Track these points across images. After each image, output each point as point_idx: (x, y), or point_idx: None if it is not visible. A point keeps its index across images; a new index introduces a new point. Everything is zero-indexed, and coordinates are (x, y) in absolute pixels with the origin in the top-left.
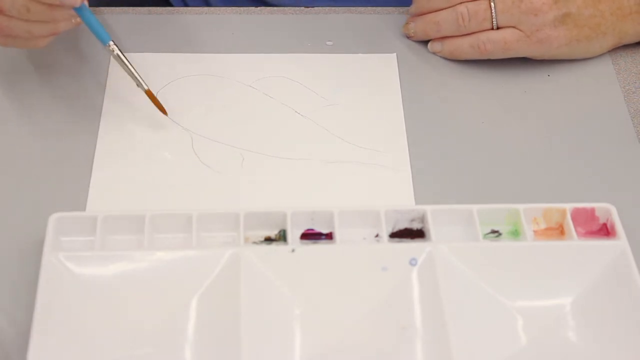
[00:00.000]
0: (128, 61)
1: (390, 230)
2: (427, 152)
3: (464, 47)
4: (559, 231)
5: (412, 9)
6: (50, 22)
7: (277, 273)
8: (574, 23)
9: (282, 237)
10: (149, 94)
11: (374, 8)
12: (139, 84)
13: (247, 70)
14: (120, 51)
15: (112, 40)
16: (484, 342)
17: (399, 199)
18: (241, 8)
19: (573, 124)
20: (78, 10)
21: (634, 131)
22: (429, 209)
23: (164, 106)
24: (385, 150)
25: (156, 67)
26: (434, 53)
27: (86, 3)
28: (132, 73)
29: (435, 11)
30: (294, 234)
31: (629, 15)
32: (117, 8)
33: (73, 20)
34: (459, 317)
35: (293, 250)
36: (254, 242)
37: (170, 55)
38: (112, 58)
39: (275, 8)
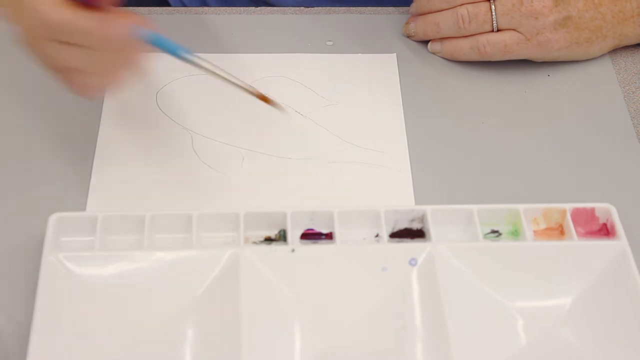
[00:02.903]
0: (221, 75)
1: (390, 230)
2: (427, 152)
3: (464, 48)
4: (559, 231)
5: (413, 9)
6: (128, 67)
7: (277, 273)
8: (575, 26)
9: (282, 237)
10: (262, 97)
11: (374, 8)
12: (240, 86)
13: (246, 70)
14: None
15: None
16: (483, 342)
17: (399, 199)
18: (241, 8)
19: (573, 124)
20: (150, 41)
21: (634, 131)
22: (429, 209)
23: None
24: (385, 150)
25: (156, 67)
26: (433, 53)
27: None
28: (232, 77)
29: (436, 12)
30: (294, 234)
31: (630, 18)
32: None
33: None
34: (459, 317)
35: (293, 250)
36: (254, 242)
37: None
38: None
39: (275, 8)
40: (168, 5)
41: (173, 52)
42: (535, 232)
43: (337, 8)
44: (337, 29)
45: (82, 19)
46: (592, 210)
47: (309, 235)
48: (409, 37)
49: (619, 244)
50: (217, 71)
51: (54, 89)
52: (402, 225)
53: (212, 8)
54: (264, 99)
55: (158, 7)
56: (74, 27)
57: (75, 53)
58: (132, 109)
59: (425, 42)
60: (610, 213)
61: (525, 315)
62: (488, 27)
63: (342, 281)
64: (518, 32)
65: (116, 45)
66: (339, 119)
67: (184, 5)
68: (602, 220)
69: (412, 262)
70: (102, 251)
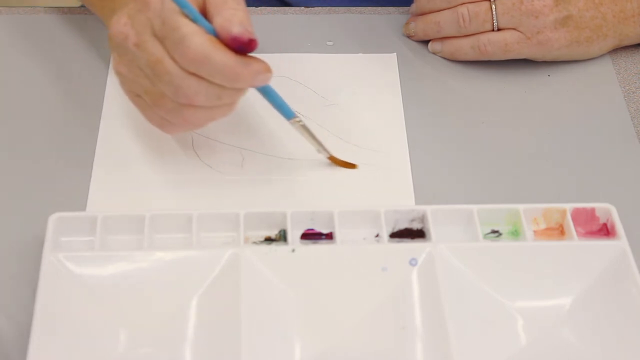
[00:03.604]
0: (311, 132)
1: (390, 230)
2: (427, 152)
3: (465, 48)
4: (559, 231)
5: (413, 8)
6: (231, 104)
7: (277, 273)
8: (575, 25)
9: (282, 237)
10: (332, 159)
11: (374, 8)
12: (320, 151)
13: None
14: (304, 125)
15: (296, 113)
16: (484, 342)
17: (399, 199)
18: None
19: (573, 124)
20: (263, 88)
21: (634, 131)
22: (429, 209)
23: (345, 161)
24: (385, 150)
25: None
26: (434, 53)
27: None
28: (316, 141)
29: (436, 11)
30: (294, 234)
31: (630, 18)
32: None
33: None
34: (459, 317)
35: (293, 250)
36: (254, 242)
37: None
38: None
39: (275, 8)
40: None
41: (278, 108)
42: (535, 232)
43: (337, 8)
44: (337, 29)
45: (227, 56)
46: (592, 210)
47: (309, 235)
48: (409, 37)
49: (619, 244)
50: (311, 137)
51: (54, 89)
52: (402, 225)
53: None
54: (335, 160)
55: None
56: (217, 61)
57: (200, 85)
58: (133, 109)
59: (425, 42)
60: (610, 213)
61: (525, 315)
62: (488, 27)
63: (342, 281)
64: (518, 31)
65: (242, 86)
66: (339, 119)
67: None
68: (602, 220)
69: (412, 262)
70: (102, 251)
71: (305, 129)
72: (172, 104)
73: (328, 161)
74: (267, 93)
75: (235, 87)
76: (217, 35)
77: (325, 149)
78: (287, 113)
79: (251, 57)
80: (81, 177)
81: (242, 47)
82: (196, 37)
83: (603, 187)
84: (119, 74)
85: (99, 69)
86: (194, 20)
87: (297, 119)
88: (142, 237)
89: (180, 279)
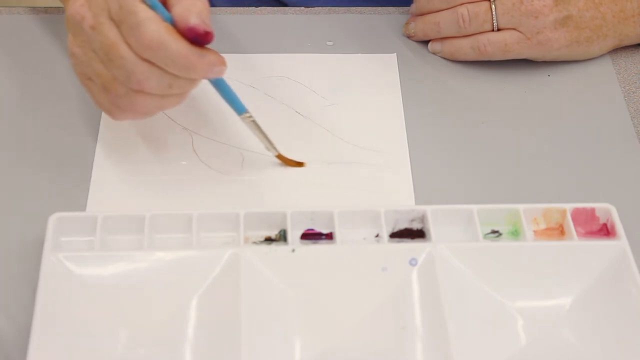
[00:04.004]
0: (260, 129)
1: (390, 230)
2: (427, 152)
3: (464, 48)
4: (559, 231)
5: (413, 9)
6: (181, 95)
7: (277, 273)
8: (575, 25)
9: (282, 237)
10: (280, 157)
11: (374, 8)
12: (268, 149)
13: (247, 70)
14: (255, 120)
15: (247, 110)
16: (484, 342)
17: (399, 199)
18: (241, 8)
19: (573, 124)
20: (216, 81)
21: (634, 131)
22: (429, 209)
23: (293, 159)
24: (385, 150)
25: None
26: (434, 53)
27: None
28: (265, 138)
29: (436, 12)
30: (294, 234)
31: (630, 18)
32: None
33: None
34: (459, 317)
35: (293, 250)
36: (254, 242)
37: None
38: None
39: (275, 8)
40: None
41: (230, 102)
42: (535, 232)
43: (337, 8)
44: (337, 29)
45: (182, 45)
46: (592, 210)
47: (309, 235)
48: (409, 37)
49: (619, 244)
50: (261, 134)
51: (53, 89)
52: (402, 225)
53: (213, 8)
54: (282, 159)
55: None
56: (171, 49)
57: (152, 71)
58: None
59: (425, 42)
60: (610, 213)
61: (525, 315)
62: (488, 27)
63: (342, 281)
64: (518, 31)
65: (195, 77)
66: (339, 119)
67: None
68: (602, 220)
69: (412, 262)
70: (102, 251)
71: (255, 124)
72: (123, 89)
73: (277, 160)
74: (220, 86)
75: (188, 77)
76: (174, 25)
77: (274, 147)
78: (238, 108)
79: (207, 48)
80: (81, 177)
81: (197, 39)
82: (152, 24)
83: (603, 187)
84: (72, 55)
85: None
86: (152, 7)
87: (248, 115)
88: (142, 237)
89: (180, 279)
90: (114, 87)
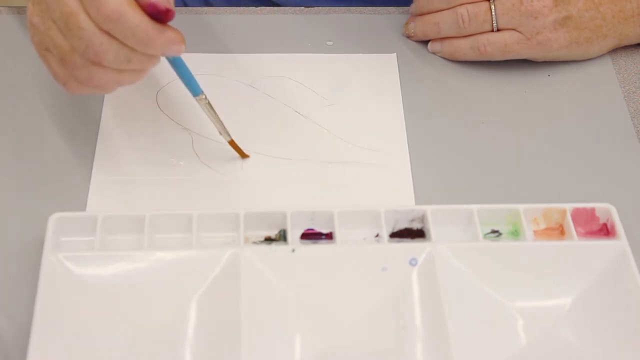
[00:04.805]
0: (215, 112)
1: (390, 230)
2: (427, 152)
3: (464, 48)
4: (559, 231)
5: (412, 9)
6: (140, 71)
7: (277, 273)
8: (574, 25)
9: (282, 237)
10: (232, 143)
11: (374, 8)
12: (221, 133)
13: (247, 70)
14: (210, 103)
15: (203, 92)
16: (484, 342)
17: (399, 199)
18: (241, 8)
19: (573, 124)
20: (174, 60)
21: (634, 131)
22: (429, 209)
23: (241, 149)
24: (385, 150)
25: (156, 66)
26: (433, 53)
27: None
28: (219, 122)
29: (436, 12)
30: (294, 234)
31: (630, 18)
32: None
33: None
34: (459, 317)
35: (293, 250)
36: (254, 242)
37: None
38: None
39: (275, 8)
40: None
41: (186, 82)
42: (535, 232)
43: (337, 8)
44: (337, 29)
45: (142, 18)
46: (592, 210)
47: (309, 235)
48: (408, 37)
49: (619, 244)
50: (215, 118)
51: (53, 88)
52: (402, 225)
53: (213, 8)
54: (234, 145)
55: None
56: (131, 21)
57: (111, 44)
58: (132, 109)
59: (425, 42)
60: (610, 213)
61: (525, 315)
62: (488, 27)
63: (342, 281)
64: (518, 31)
65: (154, 52)
66: (339, 119)
67: (186, 5)
68: (602, 220)
69: (412, 262)
70: (102, 251)
71: (210, 107)
72: (81, 60)
73: (228, 146)
74: (177, 65)
75: (147, 52)
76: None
77: (227, 132)
78: (194, 89)
79: (167, 25)
80: (81, 177)
81: (158, 15)
82: None
83: (603, 187)
84: (31, 25)
85: None
86: None
87: (203, 97)
88: (142, 237)
89: (180, 279)
90: (72, 59)
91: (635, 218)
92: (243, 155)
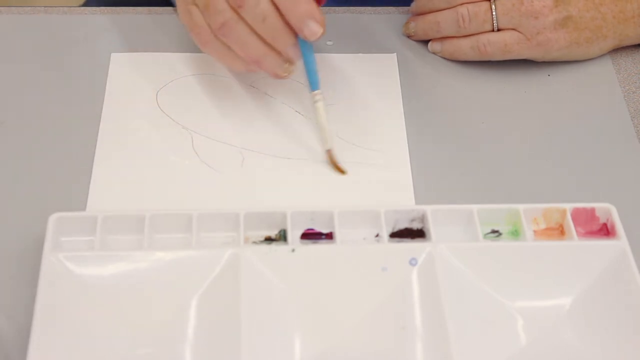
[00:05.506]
0: (325, 114)
1: (390, 230)
2: (427, 152)
3: (464, 48)
4: (559, 231)
5: (413, 8)
6: (264, 54)
7: (277, 273)
8: (575, 26)
9: (282, 237)
10: (329, 153)
11: (374, 8)
12: (324, 140)
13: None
14: (321, 104)
15: (319, 90)
16: (484, 342)
17: (399, 199)
18: None
19: (573, 124)
20: (305, 46)
21: (634, 131)
22: (429, 209)
23: (339, 164)
24: (385, 150)
25: (156, 66)
26: (433, 53)
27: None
28: (324, 126)
29: (436, 11)
30: (294, 234)
31: (630, 19)
32: (117, 8)
33: (285, 66)
34: (459, 317)
35: (293, 250)
36: (254, 242)
37: (170, 55)
38: (112, 62)
39: None
40: (169, 5)
41: (308, 74)
42: (535, 232)
43: (337, 8)
44: (337, 29)
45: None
46: (592, 210)
47: (309, 235)
48: (409, 36)
49: (619, 244)
50: (323, 121)
51: (54, 88)
52: (402, 225)
53: None
54: (331, 157)
55: (158, 7)
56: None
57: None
58: (132, 109)
59: (425, 42)
60: (610, 213)
61: (525, 315)
62: (488, 27)
63: (342, 281)
64: (518, 31)
65: (293, 19)
66: (339, 119)
67: None
68: (602, 220)
69: (412, 262)
70: (102, 251)
71: (322, 107)
72: (223, 4)
73: (324, 157)
74: (306, 53)
75: (287, 14)
76: None
77: (329, 140)
78: (313, 83)
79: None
80: (81, 177)
81: None
82: None
83: (603, 187)
84: None
85: (99, 69)
86: None
87: (319, 92)
88: (142, 237)
89: (180, 279)
90: (215, 3)
91: (635, 218)
92: (339, 170)
